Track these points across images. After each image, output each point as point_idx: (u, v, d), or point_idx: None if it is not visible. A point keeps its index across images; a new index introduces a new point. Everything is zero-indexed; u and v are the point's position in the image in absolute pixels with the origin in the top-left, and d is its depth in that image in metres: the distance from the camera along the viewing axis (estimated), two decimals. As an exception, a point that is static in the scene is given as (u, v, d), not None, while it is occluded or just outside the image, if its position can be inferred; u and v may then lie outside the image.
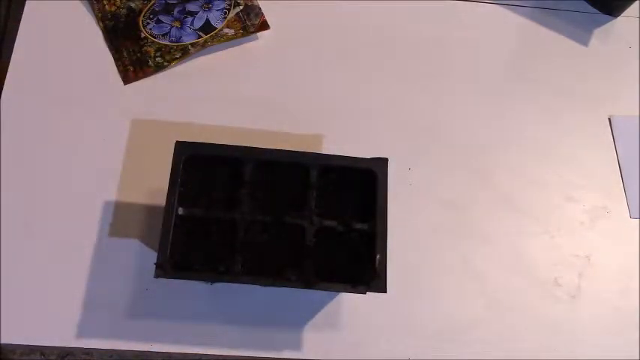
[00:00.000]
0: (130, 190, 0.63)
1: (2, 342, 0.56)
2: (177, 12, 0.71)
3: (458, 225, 0.65)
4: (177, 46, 0.70)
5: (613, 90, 0.74)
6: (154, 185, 0.60)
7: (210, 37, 0.70)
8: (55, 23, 0.70)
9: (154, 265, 0.49)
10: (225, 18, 0.71)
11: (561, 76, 0.75)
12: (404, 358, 0.59)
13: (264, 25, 0.72)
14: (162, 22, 0.71)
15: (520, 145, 0.70)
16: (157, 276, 0.49)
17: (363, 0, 0.76)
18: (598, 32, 0.78)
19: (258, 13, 0.72)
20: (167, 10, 0.71)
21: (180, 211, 0.52)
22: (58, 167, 0.63)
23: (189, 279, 0.55)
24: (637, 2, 0.78)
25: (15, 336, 0.56)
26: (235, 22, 0.71)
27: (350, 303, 0.60)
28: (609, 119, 0.72)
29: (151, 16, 0.71)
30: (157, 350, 0.57)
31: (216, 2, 0.72)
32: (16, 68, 0.67)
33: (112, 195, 0.62)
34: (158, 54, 0.69)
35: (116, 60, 0.69)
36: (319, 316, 0.60)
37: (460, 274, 0.63)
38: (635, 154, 0.71)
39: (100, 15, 0.71)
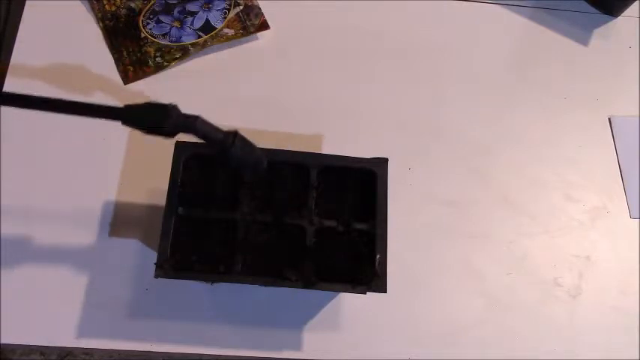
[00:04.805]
0: (130, 190, 0.63)
1: (2, 342, 0.56)
2: (177, 12, 0.71)
3: (458, 225, 0.65)
4: (177, 46, 0.70)
5: (613, 90, 0.75)
6: (154, 185, 0.60)
7: (210, 37, 0.70)
8: (55, 23, 0.70)
9: (154, 265, 0.49)
10: (225, 18, 0.71)
11: (561, 75, 0.75)
12: (404, 358, 0.59)
13: (264, 25, 0.72)
14: (162, 22, 0.71)
15: (520, 145, 0.70)
16: (157, 276, 0.49)
17: (363, 0, 0.76)
18: (598, 32, 0.78)
19: (258, 13, 0.72)
20: (167, 10, 0.71)
21: (180, 211, 0.52)
22: (58, 167, 0.63)
23: (189, 279, 0.55)
24: (637, 2, 0.78)
25: (15, 336, 0.56)
26: (235, 22, 0.71)
27: (350, 303, 0.60)
28: (609, 119, 0.72)
29: (151, 16, 0.71)
30: (157, 350, 0.57)
31: (216, 2, 0.72)
32: (16, 68, 0.67)
33: (112, 195, 0.62)
34: (158, 54, 0.69)
35: (116, 60, 0.69)
36: (319, 316, 0.60)
37: (460, 274, 0.63)
38: (635, 154, 0.71)
39: (100, 15, 0.71)
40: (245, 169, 0.50)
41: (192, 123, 0.43)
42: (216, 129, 0.44)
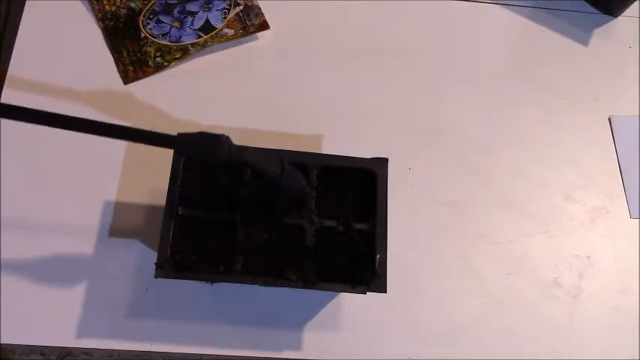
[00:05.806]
0: (130, 190, 0.63)
1: (2, 342, 0.56)
2: (177, 12, 0.71)
3: (458, 225, 0.65)
4: (177, 46, 0.70)
5: (613, 90, 0.75)
6: (154, 185, 0.60)
7: (210, 37, 0.70)
8: (55, 23, 0.70)
9: (154, 265, 0.49)
10: (225, 18, 0.71)
11: (561, 76, 0.75)
12: (404, 359, 0.59)
13: (264, 25, 0.72)
14: (162, 22, 0.71)
15: (520, 145, 0.70)
16: (157, 276, 0.49)
17: (363, 0, 0.76)
18: (598, 32, 0.78)
19: (258, 13, 0.72)
20: (167, 10, 0.71)
21: (180, 211, 0.52)
22: (58, 167, 0.63)
23: (189, 279, 0.55)
24: (637, 2, 0.78)
25: (15, 336, 0.56)
26: (235, 22, 0.71)
27: (350, 303, 0.60)
28: (609, 119, 0.72)
29: (151, 16, 0.71)
30: (156, 350, 0.57)
31: (216, 2, 0.72)
32: (16, 68, 0.67)
33: (112, 195, 0.62)
34: (158, 54, 0.69)
35: (116, 60, 0.69)
36: (319, 316, 0.60)
37: (460, 274, 0.63)
38: (635, 154, 0.71)
39: (100, 15, 0.71)
40: (291, 196, 0.52)
41: (244, 155, 0.44)
42: (266, 160, 0.46)
